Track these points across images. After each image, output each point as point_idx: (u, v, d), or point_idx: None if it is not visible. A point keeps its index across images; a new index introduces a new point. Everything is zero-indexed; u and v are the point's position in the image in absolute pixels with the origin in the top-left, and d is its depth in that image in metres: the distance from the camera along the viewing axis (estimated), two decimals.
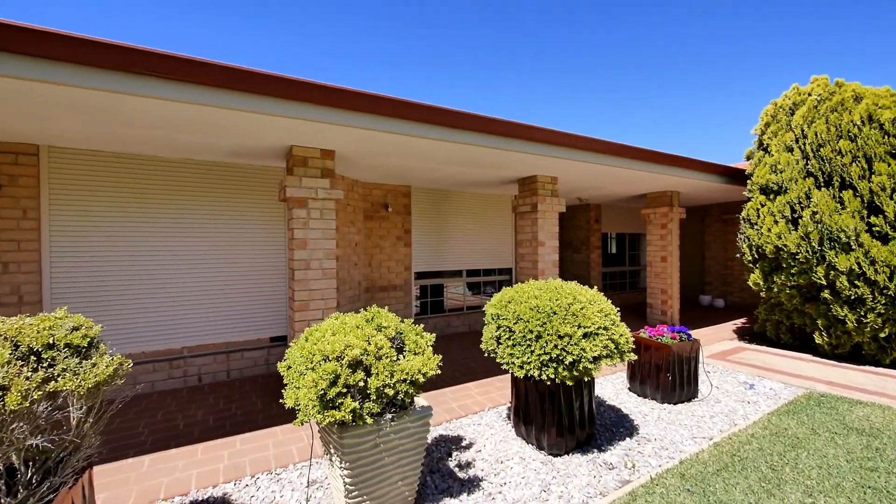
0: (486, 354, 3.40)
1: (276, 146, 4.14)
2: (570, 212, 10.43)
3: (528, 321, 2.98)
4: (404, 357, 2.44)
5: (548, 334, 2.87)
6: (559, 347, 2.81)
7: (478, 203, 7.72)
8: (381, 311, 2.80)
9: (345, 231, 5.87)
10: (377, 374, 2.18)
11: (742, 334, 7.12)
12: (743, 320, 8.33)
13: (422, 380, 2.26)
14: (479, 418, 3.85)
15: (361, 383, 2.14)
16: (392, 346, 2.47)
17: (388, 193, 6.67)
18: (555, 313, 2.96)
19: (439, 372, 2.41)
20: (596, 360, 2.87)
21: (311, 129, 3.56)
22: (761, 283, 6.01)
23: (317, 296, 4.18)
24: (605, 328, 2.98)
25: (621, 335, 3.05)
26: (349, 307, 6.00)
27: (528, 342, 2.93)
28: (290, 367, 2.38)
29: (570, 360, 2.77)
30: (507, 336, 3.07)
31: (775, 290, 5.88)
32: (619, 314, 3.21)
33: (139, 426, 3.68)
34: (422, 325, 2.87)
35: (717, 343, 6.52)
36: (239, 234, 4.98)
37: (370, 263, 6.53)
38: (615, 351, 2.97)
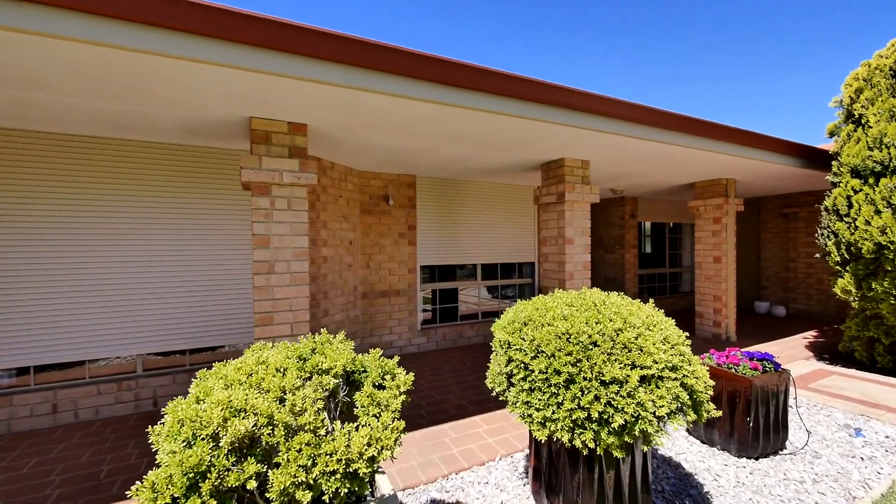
0: (492, 393, 2.43)
1: (232, 119, 3.30)
2: (602, 206, 9.25)
3: (554, 356, 1.99)
4: (350, 426, 1.50)
5: (585, 379, 1.87)
6: (603, 399, 1.81)
7: (495, 195, 6.72)
8: (331, 340, 1.88)
9: (335, 227, 5.01)
10: (287, 462, 1.25)
11: (819, 352, 5.81)
12: (814, 333, 6.97)
13: (365, 471, 1.31)
14: (486, 472, 2.89)
15: (254, 481, 1.21)
16: (326, 407, 1.54)
17: (390, 184, 5.78)
18: (595, 345, 1.96)
19: (398, 449, 1.47)
20: (662, 418, 1.85)
21: (270, 88, 2.69)
22: (853, 290, 4.74)
23: (283, 306, 3.32)
24: (674, 368, 1.96)
25: (697, 377, 2.01)
26: (341, 317, 5.14)
27: (553, 388, 1.94)
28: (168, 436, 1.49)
29: (621, 420, 1.77)
30: (521, 375, 2.09)
31: (874, 299, 4.61)
32: (689, 343, 2.17)
33: (52, 474, 2.91)
34: (395, 359, 1.94)
35: (790, 364, 5.28)
36: (202, 228, 4.19)
37: (368, 265, 5.65)
38: (688, 403, 1.94)
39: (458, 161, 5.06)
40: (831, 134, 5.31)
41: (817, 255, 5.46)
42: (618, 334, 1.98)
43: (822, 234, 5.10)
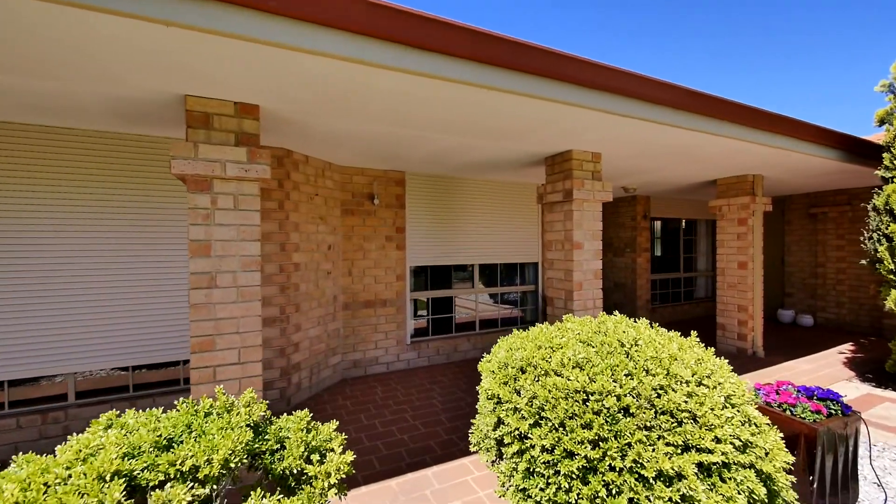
0: (483, 462, 1.79)
1: (164, 96, 2.69)
2: (612, 205, 8.58)
3: (565, 426, 1.36)
4: None
5: (612, 469, 1.23)
6: (639, 499, 1.17)
7: (494, 194, 6.08)
8: (230, 404, 1.26)
9: (309, 230, 4.39)
10: None
11: (861, 371, 5.12)
12: (850, 347, 6.26)
13: None
14: None
15: None
16: None
17: (375, 181, 5.15)
18: (627, 412, 1.33)
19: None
20: None
21: (209, 52, 2.07)
22: None
23: (228, 327, 2.70)
24: (744, 446, 1.31)
25: (775, 458, 1.36)
26: (318, 332, 4.53)
27: (563, 478, 1.30)
28: None
29: None
30: (515, 448, 1.46)
31: None
32: (753, 399, 1.52)
33: None
34: (334, 424, 1.33)
35: (831, 386, 4.59)
36: (141, 228, 3.58)
37: (350, 272, 5.03)
38: (764, 500, 1.29)
39: (450, 154, 4.43)
40: (881, 122, 4.62)
41: (864, 262, 4.77)
42: (659, 395, 1.34)
43: (871, 239, 4.42)
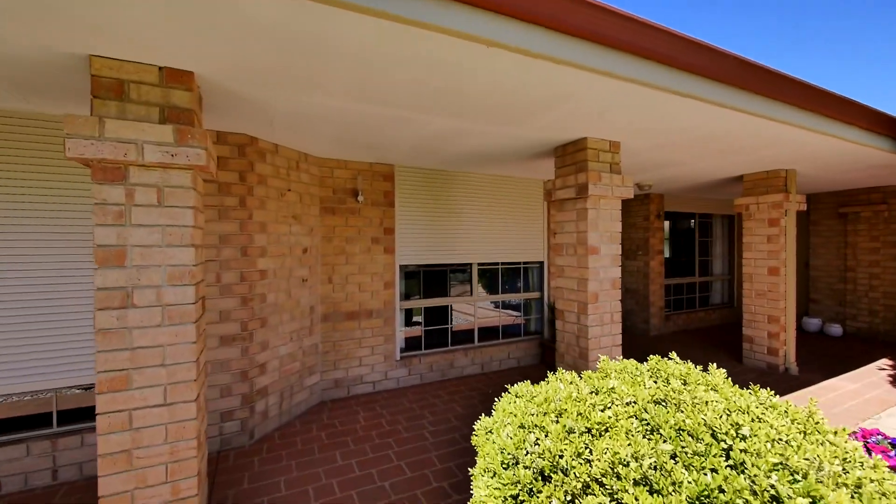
0: None
1: (61, 58, 2.06)
2: (623, 204, 7.92)
3: None
4: None
5: None
6: None
7: (496, 191, 5.45)
8: None
9: (280, 231, 3.77)
10: None
11: None
12: (889, 362, 5.62)
13: None
14: None
15: None
16: None
17: (360, 175, 4.53)
18: None
19: None
20: None
21: None
22: None
23: (150, 359, 2.08)
24: None
25: None
26: (291, 349, 3.90)
27: None
28: None
29: None
30: None
31: None
32: None
33: None
34: None
35: (885, 411, 3.96)
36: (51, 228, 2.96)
37: (331, 279, 4.40)
38: None
39: (441, 142, 3.80)
40: None
41: None
42: None
43: None
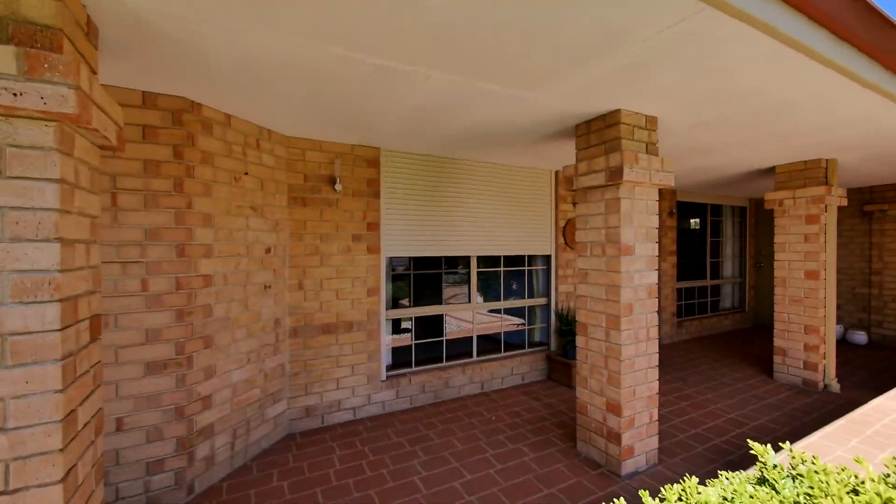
0: None
1: None
2: None
3: None
4: None
5: None
6: None
7: (498, 182, 4.73)
8: None
9: (234, 225, 2.98)
10: None
11: None
12: None
13: None
14: None
15: None
16: None
17: (339, 159, 3.75)
18: None
19: None
20: None
21: None
22: None
23: None
24: None
25: None
26: (247, 374, 3.11)
27: None
28: None
29: None
30: None
31: None
32: None
33: None
34: None
35: None
36: None
37: (301, 284, 3.62)
38: None
39: (437, 114, 3.05)
40: None
41: None
42: None
43: None
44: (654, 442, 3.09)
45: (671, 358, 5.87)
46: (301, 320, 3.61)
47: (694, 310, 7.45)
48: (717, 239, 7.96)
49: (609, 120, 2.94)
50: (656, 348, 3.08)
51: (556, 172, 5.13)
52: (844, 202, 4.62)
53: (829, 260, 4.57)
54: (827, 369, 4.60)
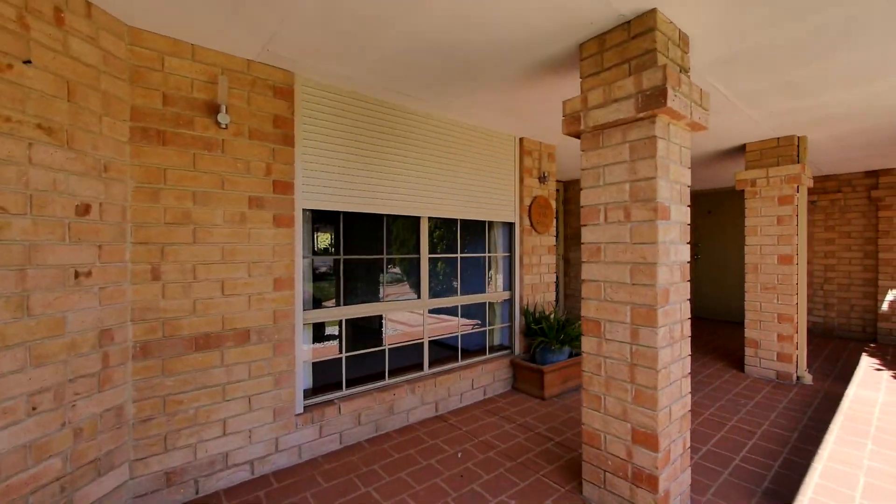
0: None
1: None
2: (578, 186, 6.76)
3: None
4: None
5: None
6: None
7: (457, 144, 3.70)
8: None
9: (22, 173, 1.54)
10: None
11: None
12: (877, 362, 5.13)
13: None
14: None
15: None
16: None
17: (225, 77, 2.41)
18: None
19: None
20: None
21: None
22: None
23: None
24: None
25: None
26: (29, 435, 1.66)
27: None
28: None
29: None
30: None
31: None
32: None
33: None
34: None
35: None
36: None
37: (157, 272, 2.22)
38: None
39: (375, 9, 1.92)
40: None
41: None
42: None
43: None
44: (687, 478, 2.27)
45: None
46: (157, 330, 2.21)
47: None
48: None
49: (638, 28, 2.06)
50: (689, 350, 2.28)
51: (521, 140, 4.26)
52: (811, 184, 4.40)
53: (802, 245, 4.29)
54: (800, 360, 4.32)
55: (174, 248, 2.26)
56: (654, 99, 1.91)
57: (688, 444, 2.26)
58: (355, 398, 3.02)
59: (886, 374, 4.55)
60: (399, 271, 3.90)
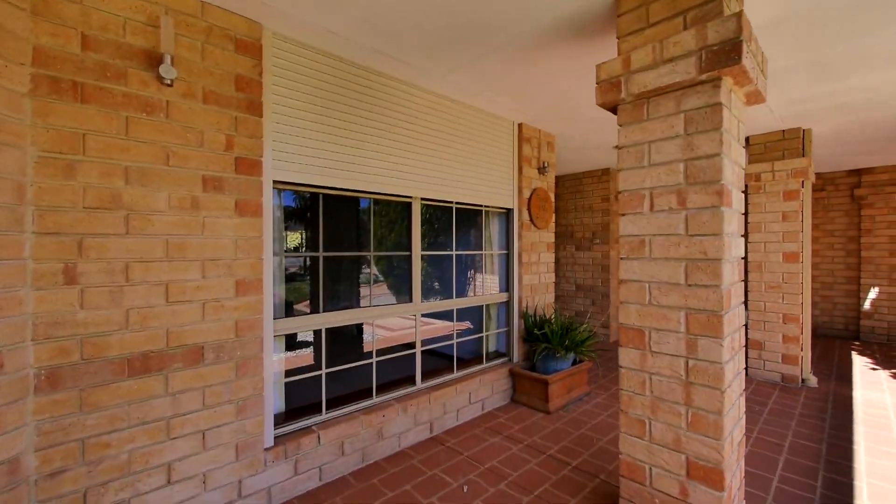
0: None
1: None
2: (572, 182, 6.50)
3: None
4: None
5: None
6: None
7: (454, 127, 3.26)
8: None
9: None
10: None
11: None
12: (868, 360, 5.09)
13: None
14: None
15: None
16: None
17: (167, 18, 1.86)
18: None
19: None
20: None
21: None
22: None
23: None
24: None
25: None
26: None
27: None
28: None
29: None
30: None
31: None
32: None
33: None
34: None
35: None
36: None
37: (72, 272, 1.65)
38: None
39: None
40: None
41: None
42: None
43: None
44: None
45: None
46: (72, 352, 1.64)
47: None
48: None
49: None
50: (743, 362, 1.93)
51: (520, 126, 3.87)
52: (815, 178, 4.25)
53: (807, 240, 4.13)
54: (804, 362, 4.15)
55: (98, 242, 1.70)
56: (724, 55, 1.55)
57: (743, 473, 1.92)
58: (338, 423, 2.52)
59: (884, 373, 4.48)
60: (386, 271, 3.41)
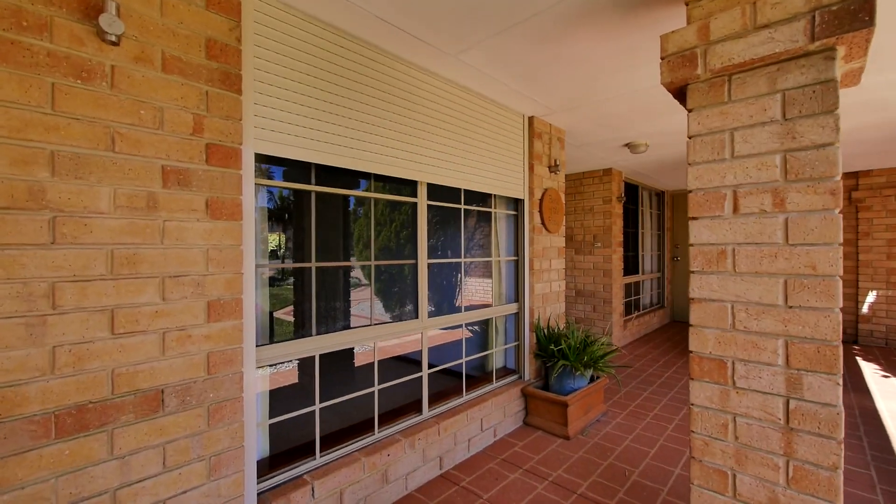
0: None
1: None
2: (574, 182, 6.21)
3: None
4: None
5: None
6: None
7: (463, 118, 2.86)
8: None
9: None
10: None
11: None
12: (875, 366, 4.99)
13: None
14: None
15: None
16: None
17: None
18: None
19: None
20: None
21: None
22: None
23: None
24: None
25: None
26: None
27: None
28: None
29: None
30: None
31: None
32: None
33: None
34: None
35: None
36: None
37: None
38: None
39: None
40: None
41: None
42: None
43: None
44: None
45: (640, 368, 4.81)
46: None
47: (631, 308, 6.72)
48: (630, 230, 7.33)
49: None
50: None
51: (531, 120, 3.51)
52: None
53: None
54: None
55: (7, 255, 1.22)
56: (849, 16, 1.21)
57: None
58: (335, 469, 2.08)
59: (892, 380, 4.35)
60: (386, 281, 2.99)
